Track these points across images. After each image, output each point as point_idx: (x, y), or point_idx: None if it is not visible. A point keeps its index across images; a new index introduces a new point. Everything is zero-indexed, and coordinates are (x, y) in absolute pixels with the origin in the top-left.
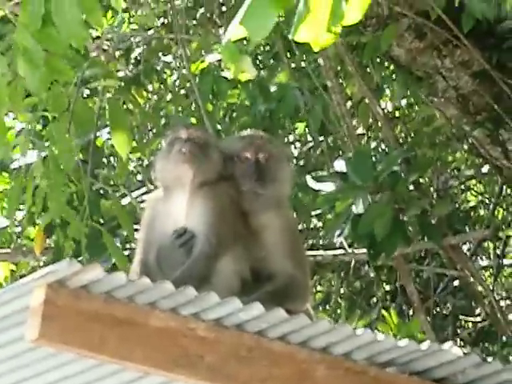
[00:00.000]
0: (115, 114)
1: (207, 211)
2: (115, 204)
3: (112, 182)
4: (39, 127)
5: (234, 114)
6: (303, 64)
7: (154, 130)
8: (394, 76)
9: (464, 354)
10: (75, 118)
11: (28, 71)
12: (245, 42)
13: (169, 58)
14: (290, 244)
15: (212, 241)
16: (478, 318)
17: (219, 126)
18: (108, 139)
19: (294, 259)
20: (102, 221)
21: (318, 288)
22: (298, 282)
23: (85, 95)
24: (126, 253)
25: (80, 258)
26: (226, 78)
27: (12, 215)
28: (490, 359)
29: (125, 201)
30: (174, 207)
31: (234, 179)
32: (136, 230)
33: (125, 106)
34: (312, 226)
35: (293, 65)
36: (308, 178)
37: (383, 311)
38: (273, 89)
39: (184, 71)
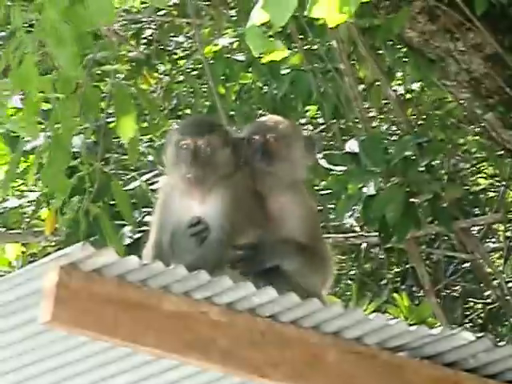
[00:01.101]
0: (121, 99)
1: (222, 201)
2: (116, 188)
3: (123, 164)
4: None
5: (247, 96)
6: (315, 46)
7: (163, 113)
8: (406, 59)
9: (475, 338)
10: (83, 100)
11: (59, 50)
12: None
13: (180, 38)
14: (308, 230)
15: (227, 229)
16: (488, 301)
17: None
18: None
19: (314, 242)
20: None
21: None
22: (316, 265)
23: (96, 76)
24: (139, 236)
25: (93, 239)
26: (239, 61)
27: (7, 188)
28: (501, 343)
29: (135, 184)
30: (188, 197)
31: (250, 165)
32: (146, 213)
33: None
34: (322, 207)
35: (305, 47)
36: (319, 156)
37: (394, 294)
38: (284, 71)
39: (196, 54)
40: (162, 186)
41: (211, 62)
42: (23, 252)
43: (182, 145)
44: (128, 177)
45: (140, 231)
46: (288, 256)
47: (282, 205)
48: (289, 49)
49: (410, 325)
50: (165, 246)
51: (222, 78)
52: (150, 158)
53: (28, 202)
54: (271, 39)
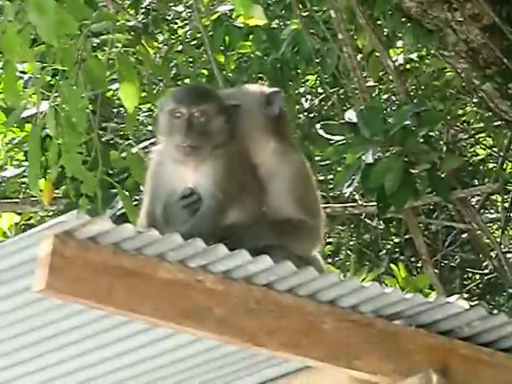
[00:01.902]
0: (124, 68)
1: (215, 170)
2: (128, 155)
3: (121, 133)
4: (48, 78)
5: (246, 65)
6: (315, 16)
7: (165, 81)
8: (405, 29)
9: (470, 306)
10: (87, 73)
11: (38, 19)
12: None
13: (179, 8)
14: (299, 190)
15: (219, 197)
16: (486, 271)
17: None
18: (117, 90)
19: (304, 205)
20: (110, 172)
21: (328, 240)
22: (308, 227)
23: (94, 45)
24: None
25: (89, 208)
26: (238, 28)
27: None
28: (495, 312)
29: (132, 151)
30: (181, 166)
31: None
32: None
33: (134, 57)
34: (322, 177)
35: (304, 14)
36: (318, 127)
37: (391, 264)
38: (285, 36)
39: (195, 23)
40: (154, 155)
41: (210, 30)
42: (16, 223)
43: (176, 114)
44: (125, 144)
45: (136, 199)
46: (264, 238)
47: (272, 169)
48: (288, 19)
49: (405, 293)
50: (157, 216)
51: (222, 46)
52: (149, 127)
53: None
54: (255, 5)
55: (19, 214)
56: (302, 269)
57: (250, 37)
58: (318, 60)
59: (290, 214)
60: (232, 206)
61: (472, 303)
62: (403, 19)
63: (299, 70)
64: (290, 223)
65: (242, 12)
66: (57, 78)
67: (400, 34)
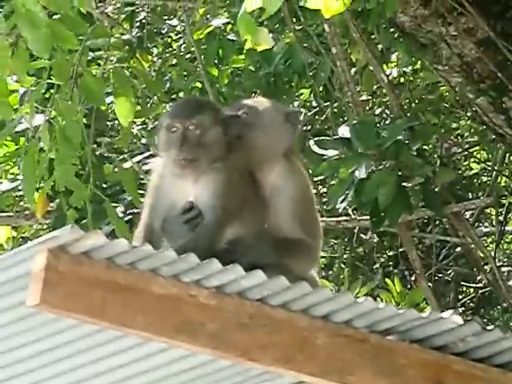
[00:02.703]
0: (119, 83)
1: (214, 183)
2: (120, 169)
3: (116, 147)
4: (42, 91)
5: (239, 79)
6: (308, 30)
7: (159, 94)
8: (399, 41)
9: (464, 321)
10: (83, 89)
11: (30, 33)
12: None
13: (174, 22)
14: (301, 209)
15: (218, 212)
16: (480, 285)
17: (224, 90)
18: (112, 103)
19: (305, 225)
20: (104, 186)
21: (321, 254)
22: (307, 247)
23: (89, 59)
24: (129, 217)
25: (83, 223)
26: (232, 41)
27: (32, 185)
28: (490, 327)
29: (126, 165)
30: (181, 180)
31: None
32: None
33: (129, 71)
34: (315, 191)
35: (298, 27)
36: (311, 142)
37: (386, 279)
38: (279, 50)
39: (188, 36)
40: (155, 169)
41: (204, 43)
42: (14, 237)
43: (172, 128)
44: (119, 158)
45: (131, 213)
46: (265, 256)
47: (273, 186)
48: (282, 33)
49: (399, 308)
50: (156, 229)
51: (215, 59)
52: (144, 140)
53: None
54: (260, 28)
55: (14, 227)
56: (295, 284)
57: (244, 50)
58: (311, 73)
59: (290, 233)
60: (231, 221)
61: (466, 317)
62: (397, 33)
63: (293, 84)
64: (291, 242)
65: (248, 37)
66: (51, 92)
67: (394, 49)
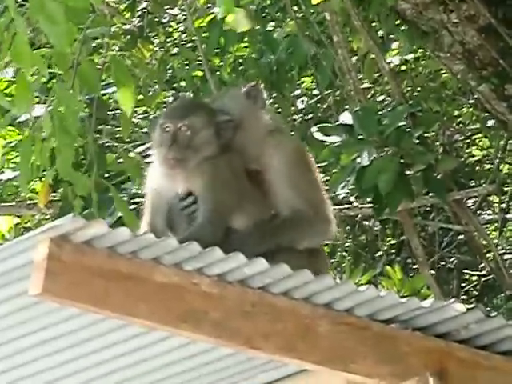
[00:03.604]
0: (120, 71)
1: (204, 179)
2: (124, 157)
3: (118, 136)
4: (44, 79)
5: (242, 67)
6: (309, 18)
7: (159, 84)
8: (400, 28)
9: (467, 309)
10: (81, 76)
11: (50, 29)
12: None
13: (175, 11)
14: (292, 177)
15: (211, 204)
16: (483, 273)
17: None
18: (113, 92)
19: (300, 192)
20: (107, 175)
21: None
22: (307, 218)
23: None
24: (133, 207)
25: (86, 212)
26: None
27: (27, 174)
28: (493, 314)
29: (129, 155)
30: (173, 177)
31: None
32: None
33: (131, 60)
34: None
35: (299, 15)
36: (314, 129)
37: (387, 266)
38: (281, 39)
39: (188, 25)
40: (150, 168)
41: (206, 31)
42: (16, 224)
43: (164, 128)
44: (123, 148)
45: (134, 203)
46: (265, 243)
47: (265, 163)
48: (283, 21)
49: (402, 297)
50: (158, 226)
51: (217, 48)
52: (145, 130)
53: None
54: (239, 9)
55: (18, 216)
56: (297, 272)
57: (245, 38)
58: (313, 64)
59: (288, 206)
60: (229, 215)
61: (469, 305)
62: (398, 21)
63: (294, 72)
64: (288, 220)
65: (225, 14)
66: (53, 81)
67: (395, 36)
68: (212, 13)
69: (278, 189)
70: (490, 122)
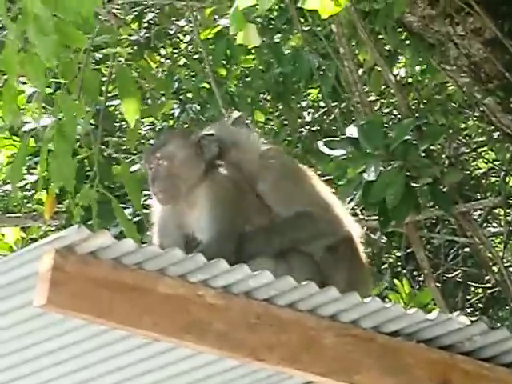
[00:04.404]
0: (124, 82)
1: (207, 204)
2: (123, 171)
3: (124, 148)
4: (50, 90)
5: (248, 79)
6: (316, 30)
7: (166, 95)
8: (406, 43)
9: (471, 321)
10: (84, 85)
11: (39, 39)
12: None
13: (182, 22)
14: (285, 190)
15: (218, 228)
16: (488, 285)
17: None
18: (120, 104)
19: (292, 198)
20: (113, 186)
21: None
22: (309, 215)
23: (97, 60)
24: (138, 218)
25: (90, 223)
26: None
27: (17, 179)
28: (497, 326)
29: (134, 167)
30: (173, 210)
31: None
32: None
33: (137, 71)
34: None
35: (306, 28)
36: (320, 143)
37: (395, 280)
38: (286, 52)
39: (195, 37)
40: (156, 206)
41: (212, 43)
42: (23, 238)
43: (147, 168)
44: (128, 160)
45: (140, 214)
46: (270, 243)
47: (260, 188)
48: (290, 33)
49: (407, 309)
50: None
51: (224, 60)
52: (151, 141)
53: (29, 184)
54: (250, 24)
55: (23, 229)
56: (302, 284)
57: (252, 50)
58: (319, 76)
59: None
60: (238, 230)
61: (475, 318)
62: (405, 33)
63: (301, 85)
64: (288, 218)
65: (236, 30)
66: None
67: (401, 50)
68: (218, 25)
69: (276, 207)
70: (496, 135)
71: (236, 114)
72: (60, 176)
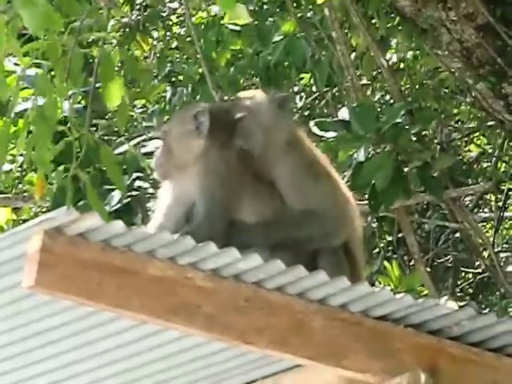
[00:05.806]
0: (105, 66)
1: (200, 183)
2: (104, 154)
3: (116, 130)
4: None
5: (239, 63)
6: (309, 14)
7: (160, 77)
8: (399, 28)
9: (459, 307)
10: (69, 67)
11: (26, 10)
12: None
13: (174, 4)
14: (301, 180)
15: (208, 207)
16: (479, 270)
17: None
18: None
19: (307, 193)
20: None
21: None
22: (318, 214)
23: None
24: (128, 200)
25: (80, 205)
26: (231, 30)
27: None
28: (485, 311)
29: (123, 148)
30: (180, 185)
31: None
32: (136, 177)
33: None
34: None
35: (299, 14)
36: (312, 124)
37: (385, 262)
38: (277, 38)
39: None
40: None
41: (204, 28)
42: (14, 220)
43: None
44: (117, 141)
45: (129, 196)
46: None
47: (274, 168)
48: (282, 18)
49: (395, 293)
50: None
51: (215, 43)
52: (144, 124)
53: (19, 166)
54: (238, 4)
55: (15, 209)
56: (291, 267)
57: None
58: (313, 60)
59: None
60: (229, 211)
61: (464, 302)
62: (397, 18)
63: (292, 69)
64: (297, 214)
65: (226, 10)
66: (51, 74)
67: (393, 35)
68: (209, 10)
69: (287, 198)
70: (488, 120)
71: (281, 95)
72: (38, 159)
